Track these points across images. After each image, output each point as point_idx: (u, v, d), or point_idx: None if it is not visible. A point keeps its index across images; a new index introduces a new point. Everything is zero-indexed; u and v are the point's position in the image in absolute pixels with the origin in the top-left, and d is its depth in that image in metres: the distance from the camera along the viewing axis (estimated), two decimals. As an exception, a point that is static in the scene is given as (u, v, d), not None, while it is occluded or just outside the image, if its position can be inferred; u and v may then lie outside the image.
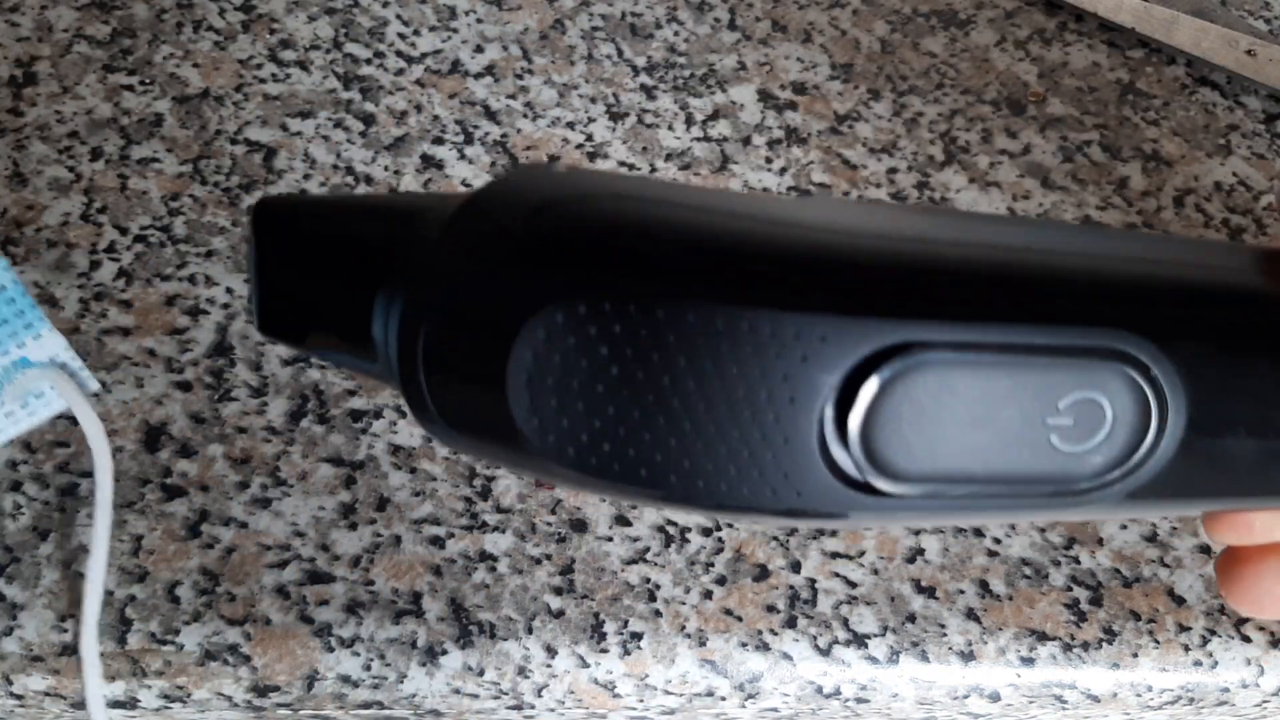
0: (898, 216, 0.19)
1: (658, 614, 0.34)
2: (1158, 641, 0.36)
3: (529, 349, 0.16)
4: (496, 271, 0.17)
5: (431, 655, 0.33)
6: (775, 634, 0.34)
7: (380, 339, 0.19)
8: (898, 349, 0.16)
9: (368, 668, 0.32)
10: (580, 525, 0.35)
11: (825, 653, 0.34)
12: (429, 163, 0.43)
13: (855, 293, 0.16)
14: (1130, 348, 0.17)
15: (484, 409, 0.17)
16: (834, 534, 0.36)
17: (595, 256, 0.16)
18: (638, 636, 0.34)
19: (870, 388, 0.16)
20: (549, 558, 0.35)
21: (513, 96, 0.46)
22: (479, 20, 0.48)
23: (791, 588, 0.35)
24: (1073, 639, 0.35)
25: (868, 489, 0.17)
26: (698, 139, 0.46)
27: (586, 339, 0.16)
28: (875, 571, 0.36)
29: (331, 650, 0.32)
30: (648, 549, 0.35)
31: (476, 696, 0.33)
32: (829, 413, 0.16)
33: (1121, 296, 0.17)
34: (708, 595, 0.35)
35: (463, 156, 0.43)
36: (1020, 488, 0.17)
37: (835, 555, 0.36)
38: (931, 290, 0.17)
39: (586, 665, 0.33)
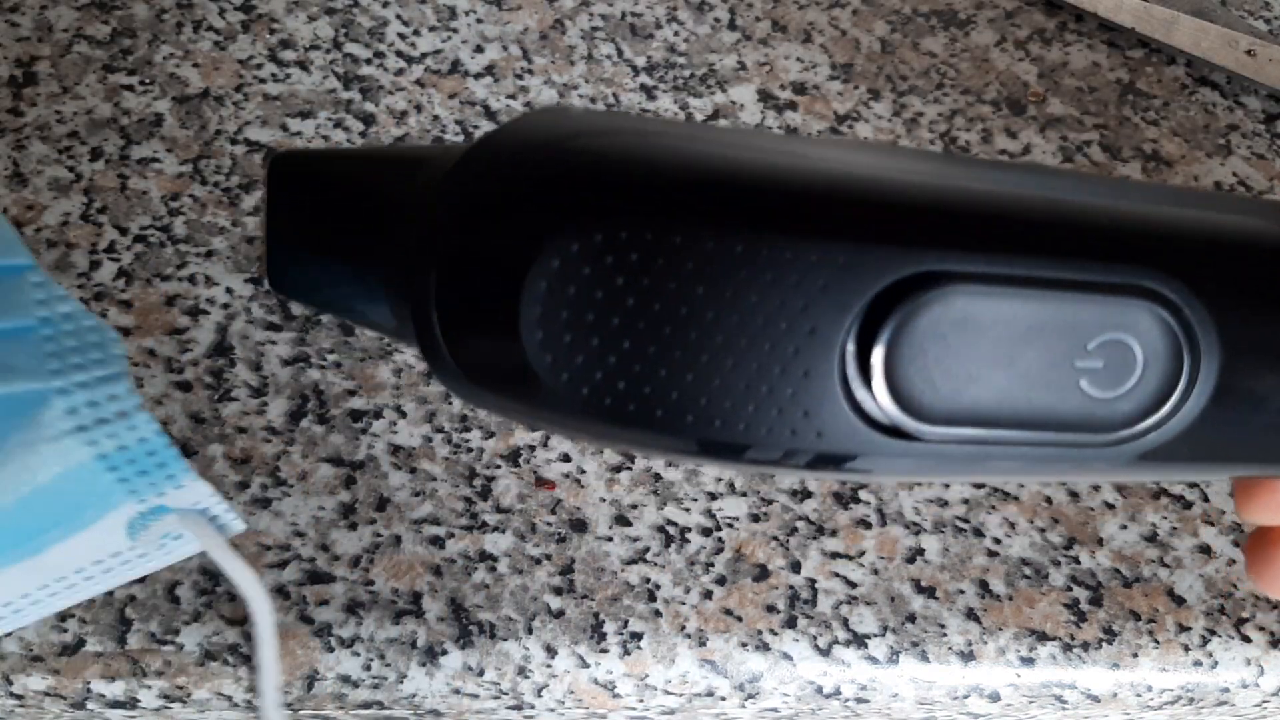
0: (924, 157, 0.18)
1: (658, 614, 0.34)
2: (1158, 641, 0.36)
3: (543, 281, 0.16)
4: (508, 205, 0.16)
5: (431, 655, 0.33)
6: (775, 634, 0.34)
7: (391, 289, 0.18)
8: (921, 279, 0.16)
9: (368, 668, 0.32)
10: (580, 525, 0.35)
11: (825, 653, 0.34)
12: (429, 163, 0.43)
13: (877, 221, 0.16)
14: (1162, 287, 0.16)
15: (498, 351, 0.16)
16: (834, 533, 0.36)
17: (611, 186, 0.16)
18: (638, 636, 0.34)
19: (893, 321, 0.15)
20: (549, 558, 0.35)
21: (513, 96, 0.46)
22: (479, 20, 0.48)
23: (791, 588, 0.35)
24: (1073, 639, 0.35)
25: (890, 430, 0.16)
26: (698, 139, 0.46)
27: (602, 269, 0.15)
28: (875, 571, 0.36)
29: (331, 650, 0.32)
30: (648, 549, 0.35)
31: (476, 696, 0.33)
32: (850, 346, 0.16)
33: (1153, 236, 0.17)
34: (708, 595, 0.35)
35: (463, 156, 0.43)
36: (1050, 435, 0.16)
37: (835, 555, 0.36)
38: (957, 221, 0.16)
39: (586, 665, 0.33)
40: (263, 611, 0.30)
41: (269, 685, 0.31)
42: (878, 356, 0.16)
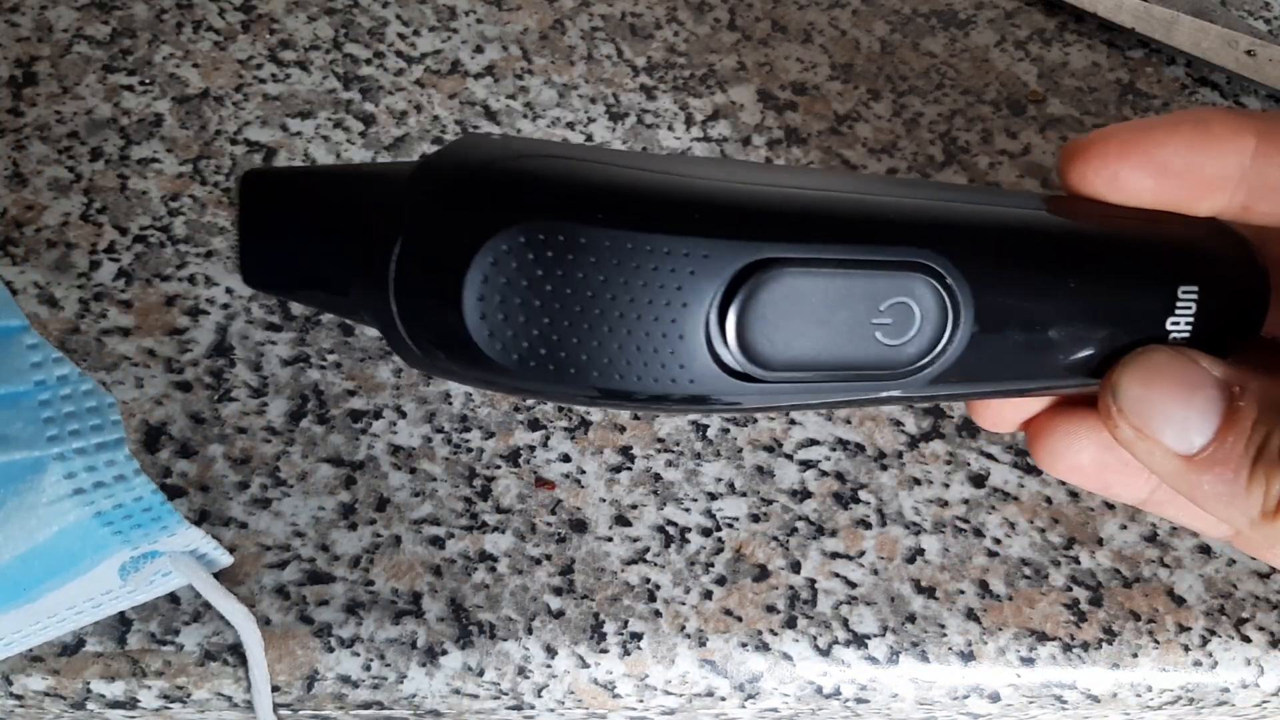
0: (766, 169, 0.24)
1: (658, 614, 0.34)
2: (1157, 642, 0.36)
3: (480, 272, 0.21)
4: (454, 212, 0.21)
5: (431, 655, 0.33)
6: (775, 634, 0.34)
7: (356, 281, 0.22)
8: (760, 264, 0.21)
9: (368, 668, 0.32)
10: (580, 525, 0.35)
11: (825, 653, 0.34)
12: (429, 163, 0.43)
13: (729, 221, 0.21)
14: (933, 262, 0.22)
15: (444, 326, 0.21)
16: (834, 534, 0.36)
17: (531, 196, 0.21)
18: (638, 636, 0.34)
19: (741, 295, 0.21)
20: (549, 558, 0.35)
21: (513, 96, 0.46)
22: (479, 20, 0.48)
23: (791, 588, 0.35)
24: (1073, 639, 0.35)
25: (743, 376, 0.22)
26: (698, 139, 0.46)
27: (525, 260, 0.21)
28: (875, 571, 0.36)
29: (331, 650, 0.32)
30: (648, 549, 0.35)
31: (476, 696, 0.33)
32: (713, 315, 0.21)
33: (928, 225, 0.23)
34: (708, 595, 0.35)
35: (463, 156, 0.43)
36: (855, 372, 0.23)
37: (835, 555, 0.36)
38: (785, 219, 0.22)
39: (586, 665, 0.33)
40: (253, 641, 0.31)
41: (263, 709, 0.32)
42: (730, 322, 0.21)
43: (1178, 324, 0.24)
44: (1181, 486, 0.23)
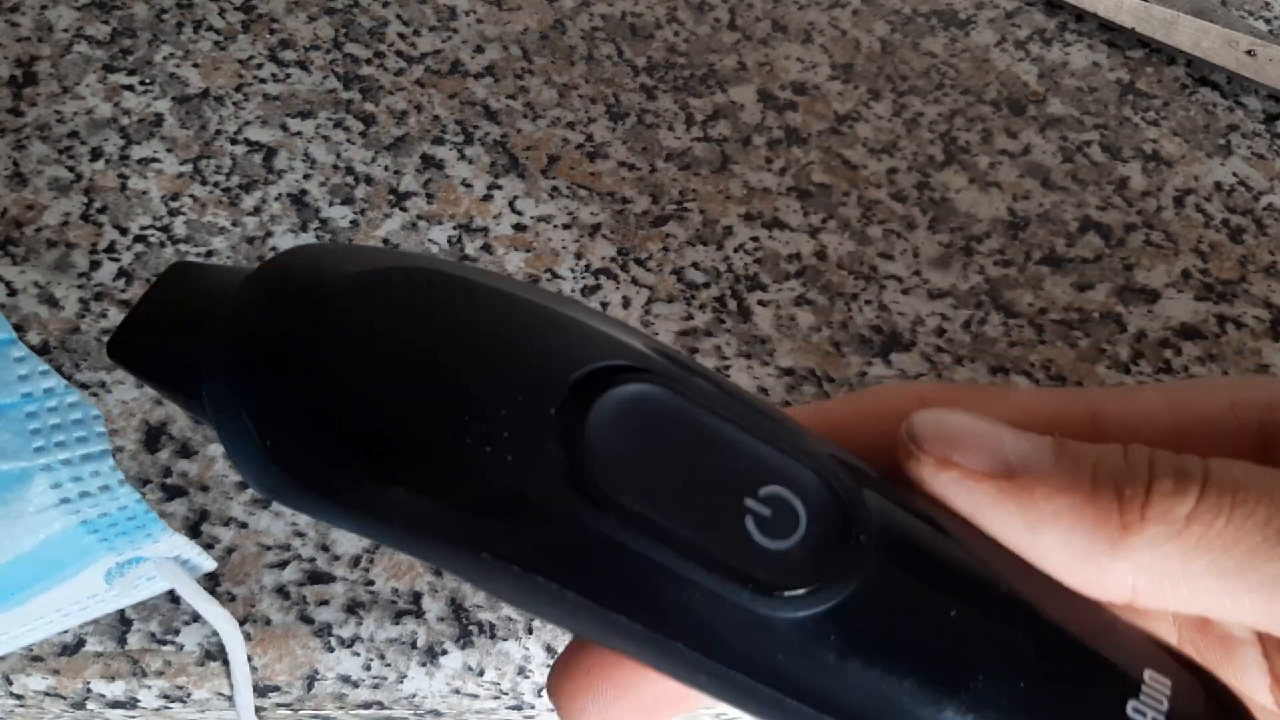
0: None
1: (658, 614, 0.34)
2: (1158, 641, 0.36)
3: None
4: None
5: (431, 655, 0.33)
6: (775, 634, 0.34)
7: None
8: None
9: (368, 668, 0.32)
10: (580, 525, 0.35)
11: (825, 653, 0.34)
12: (429, 163, 0.43)
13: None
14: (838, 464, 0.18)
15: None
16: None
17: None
18: (638, 636, 0.34)
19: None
20: (549, 558, 0.35)
21: (513, 96, 0.46)
22: (479, 20, 0.48)
23: (791, 588, 0.35)
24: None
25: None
26: (698, 139, 0.46)
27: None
28: (875, 571, 0.36)
29: (331, 650, 0.32)
30: (648, 549, 0.35)
31: (476, 696, 0.33)
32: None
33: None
34: (708, 595, 0.35)
35: (463, 156, 0.43)
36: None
37: (835, 555, 0.36)
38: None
39: (586, 665, 0.33)
40: (235, 644, 0.31)
41: (246, 712, 0.32)
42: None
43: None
44: (1012, 517, 0.18)
